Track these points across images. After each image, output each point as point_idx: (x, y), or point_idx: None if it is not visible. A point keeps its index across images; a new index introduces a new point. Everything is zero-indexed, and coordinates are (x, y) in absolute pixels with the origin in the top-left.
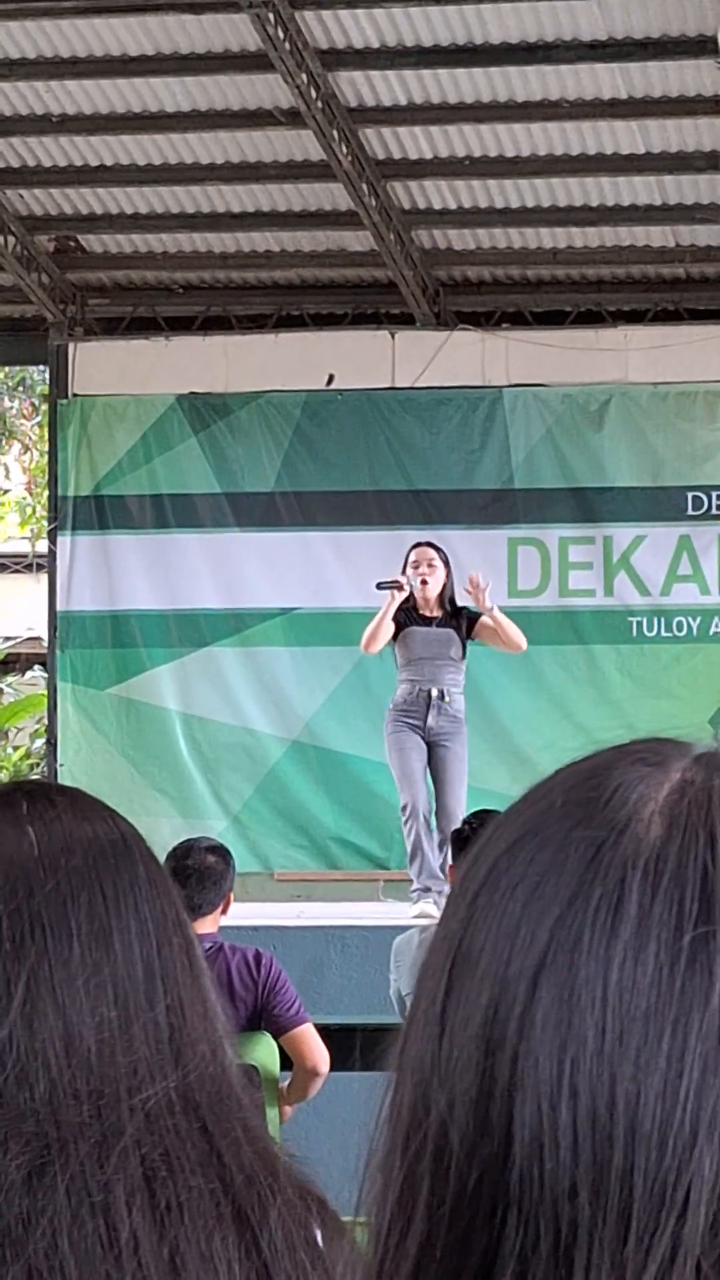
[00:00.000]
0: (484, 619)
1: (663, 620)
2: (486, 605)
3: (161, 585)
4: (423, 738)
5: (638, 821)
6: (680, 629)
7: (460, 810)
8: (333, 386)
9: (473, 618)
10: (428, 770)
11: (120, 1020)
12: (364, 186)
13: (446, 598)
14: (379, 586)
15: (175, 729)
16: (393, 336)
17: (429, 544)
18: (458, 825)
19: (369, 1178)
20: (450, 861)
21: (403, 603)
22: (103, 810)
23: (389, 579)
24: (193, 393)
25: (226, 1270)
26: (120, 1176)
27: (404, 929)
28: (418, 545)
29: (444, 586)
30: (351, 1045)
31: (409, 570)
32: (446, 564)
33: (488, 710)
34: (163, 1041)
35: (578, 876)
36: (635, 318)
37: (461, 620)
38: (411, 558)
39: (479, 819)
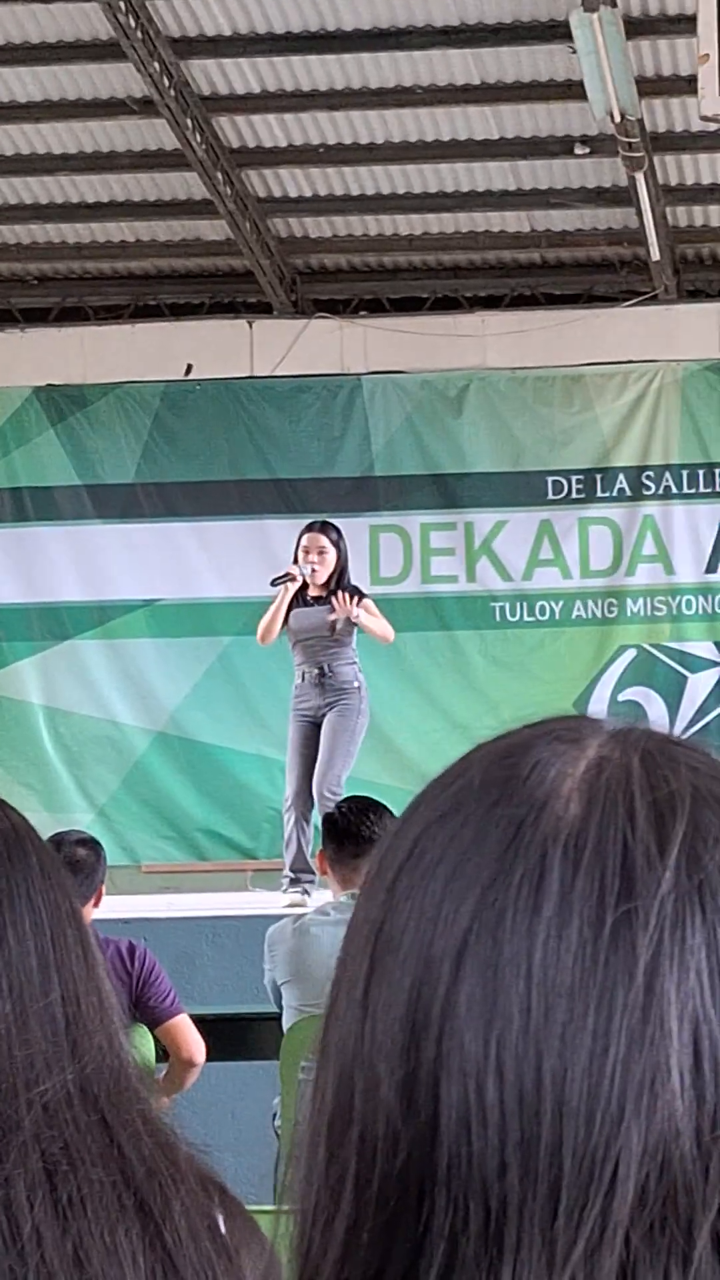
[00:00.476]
0: (365, 603)
1: (525, 605)
2: (352, 614)
3: (22, 578)
4: (313, 720)
5: (556, 799)
6: (543, 613)
7: (328, 784)
8: (191, 376)
9: (358, 598)
10: (315, 754)
11: (15, 1013)
12: (219, 175)
13: (334, 580)
14: (273, 583)
15: (39, 723)
16: (250, 325)
17: (320, 528)
18: (326, 797)
19: (293, 1164)
20: (320, 848)
21: (300, 588)
22: None
23: (281, 574)
24: (50, 384)
25: (131, 1263)
26: (20, 1171)
27: (276, 918)
28: (309, 529)
29: (334, 570)
30: (225, 1035)
31: (300, 556)
32: (337, 543)
33: None
34: (59, 1034)
35: (499, 855)
36: (492, 303)
37: (345, 592)
38: (303, 543)
39: (353, 805)
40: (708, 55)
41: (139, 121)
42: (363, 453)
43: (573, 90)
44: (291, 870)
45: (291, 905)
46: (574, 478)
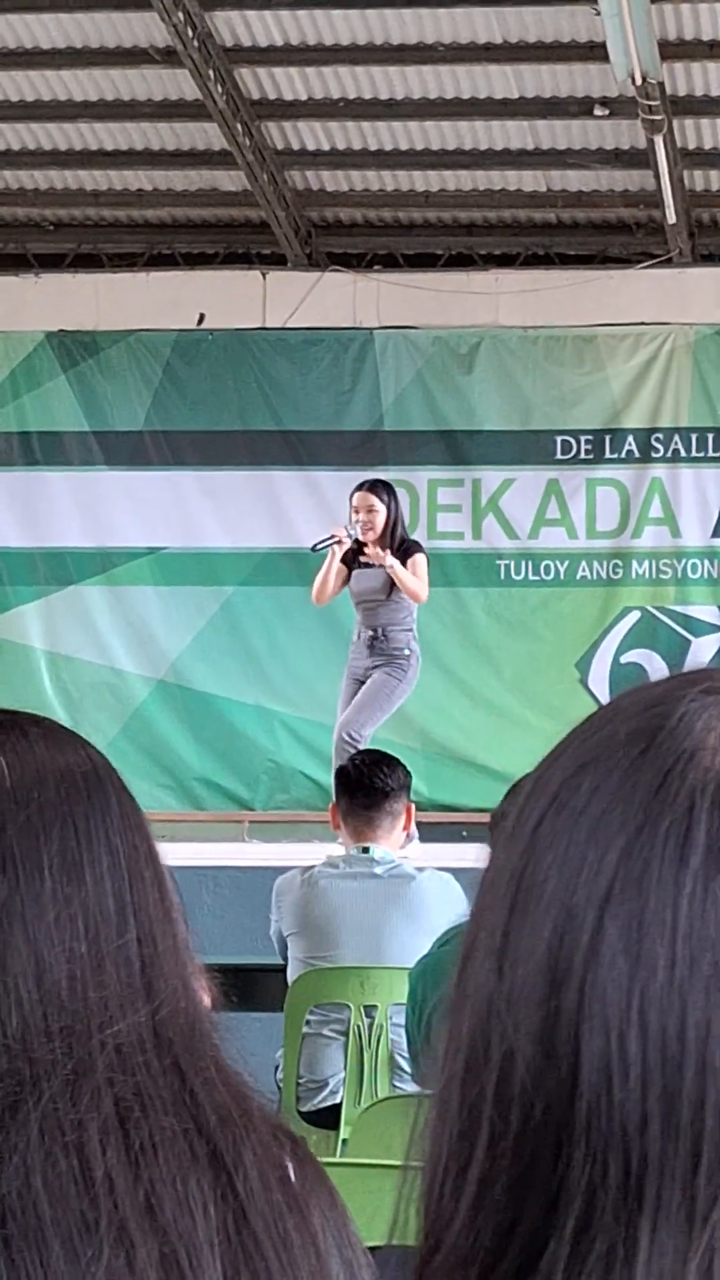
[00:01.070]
0: (415, 557)
1: (530, 564)
2: (385, 562)
3: (28, 523)
4: (361, 680)
5: (704, 750)
6: (548, 572)
7: (352, 728)
8: (203, 326)
9: (409, 553)
10: None
11: (91, 955)
12: (238, 126)
13: (389, 539)
14: (314, 549)
15: (40, 667)
16: (264, 277)
17: (370, 487)
18: (344, 741)
19: (424, 1114)
20: (333, 800)
21: (353, 545)
22: (77, 741)
23: (325, 538)
24: (62, 330)
25: (203, 1213)
26: (94, 1115)
27: (278, 870)
28: (360, 488)
29: (385, 528)
30: (228, 985)
31: (351, 515)
32: (388, 502)
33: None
34: (134, 976)
35: (645, 804)
36: (506, 261)
37: (401, 554)
38: (354, 502)
39: (366, 757)
40: None
41: (161, 71)
42: (372, 407)
43: (594, 51)
44: None
45: None
46: (583, 438)
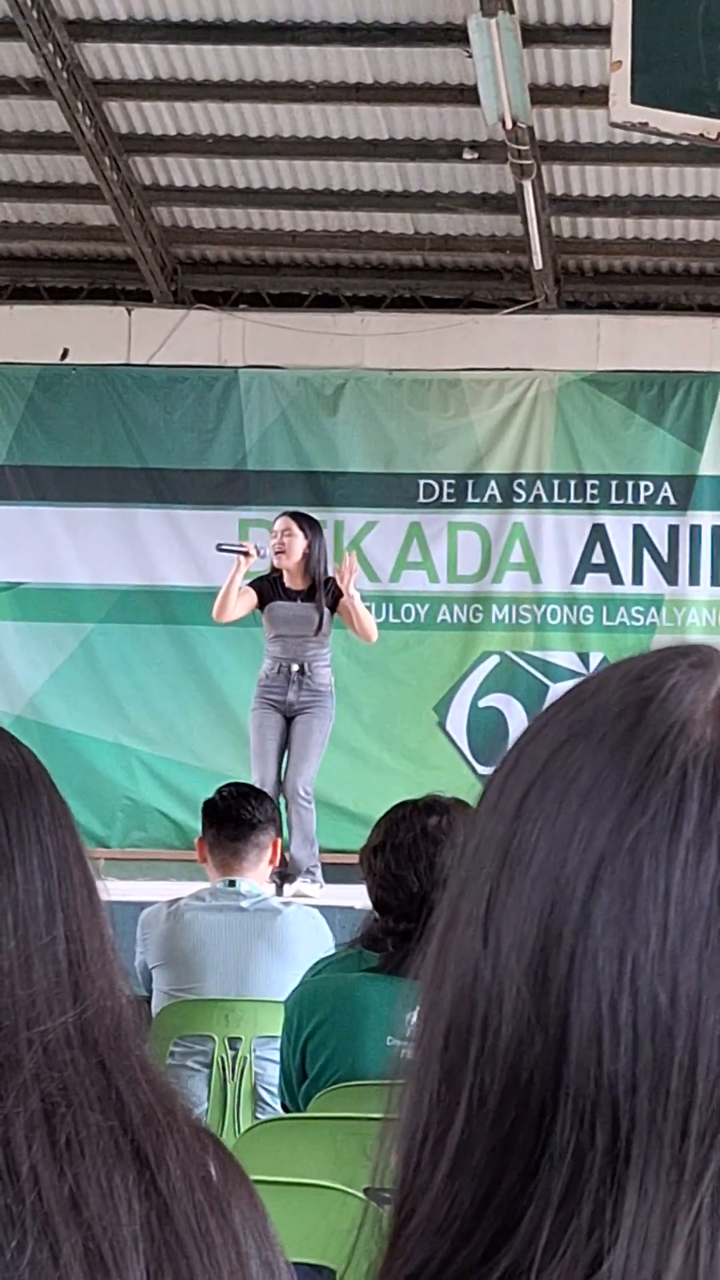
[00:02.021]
0: (344, 599)
1: (391, 606)
2: (350, 592)
3: None
4: (283, 713)
5: (693, 722)
6: (408, 615)
7: (302, 783)
8: (67, 361)
9: (338, 594)
10: (284, 748)
11: (19, 952)
12: (106, 160)
13: (313, 569)
14: (219, 549)
15: None
16: (129, 313)
17: (293, 514)
18: (300, 798)
19: (399, 1085)
20: (200, 835)
21: (270, 574)
22: (7, 739)
23: (232, 543)
24: None
25: (126, 1208)
26: (20, 1110)
27: (138, 905)
28: (283, 514)
29: (306, 557)
30: None
31: (271, 539)
32: (309, 534)
33: (214, 690)
34: (61, 974)
35: (637, 775)
36: (372, 303)
37: (327, 593)
38: (275, 526)
39: (234, 790)
40: (620, 62)
41: (29, 101)
42: (236, 446)
43: (464, 95)
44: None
45: (296, 895)
46: (445, 482)
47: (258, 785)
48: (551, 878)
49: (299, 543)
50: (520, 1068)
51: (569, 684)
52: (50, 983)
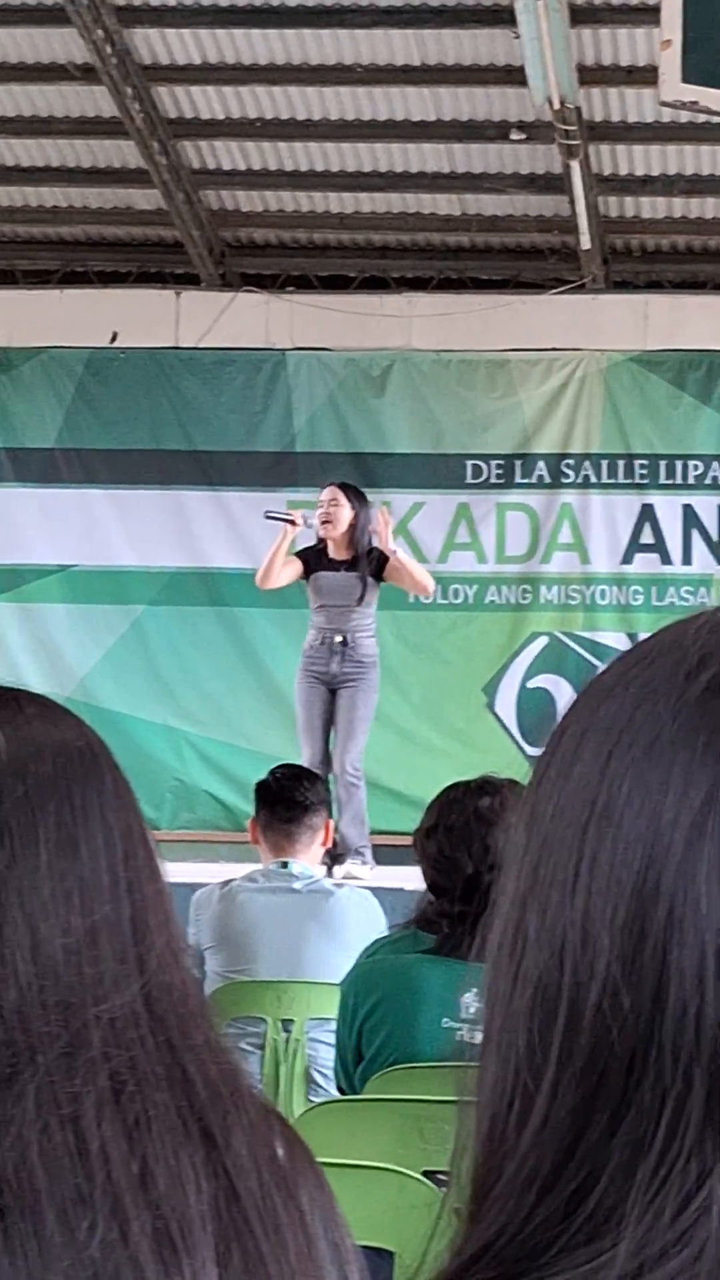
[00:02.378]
0: (390, 561)
1: (439, 588)
2: (390, 548)
3: None
4: (327, 685)
5: None
6: (456, 596)
7: (350, 760)
8: (116, 344)
9: (383, 557)
10: (330, 722)
11: (86, 929)
12: (154, 144)
13: (358, 539)
14: (267, 516)
15: None
16: (178, 296)
17: (341, 484)
18: (349, 774)
19: (476, 1065)
20: (252, 815)
21: (316, 545)
22: (71, 718)
23: (279, 511)
24: None
25: (194, 1187)
26: (89, 1089)
27: (191, 886)
28: (330, 484)
29: (351, 526)
30: None
31: (317, 509)
32: (356, 504)
33: (262, 671)
34: (127, 951)
35: None
36: (419, 285)
37: (370, 562)
38: (321, 496)
39: (286, 771)
40: (670, 41)
41: (79, 87)
42: (284, 428)
43: (511, 75)
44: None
45: (348, 877)
46: (493, 462)
47: (306, 761)
48: (649, 831)
49: (345, 513)
50: (610, 1023)
51: None
52: (116, 960)
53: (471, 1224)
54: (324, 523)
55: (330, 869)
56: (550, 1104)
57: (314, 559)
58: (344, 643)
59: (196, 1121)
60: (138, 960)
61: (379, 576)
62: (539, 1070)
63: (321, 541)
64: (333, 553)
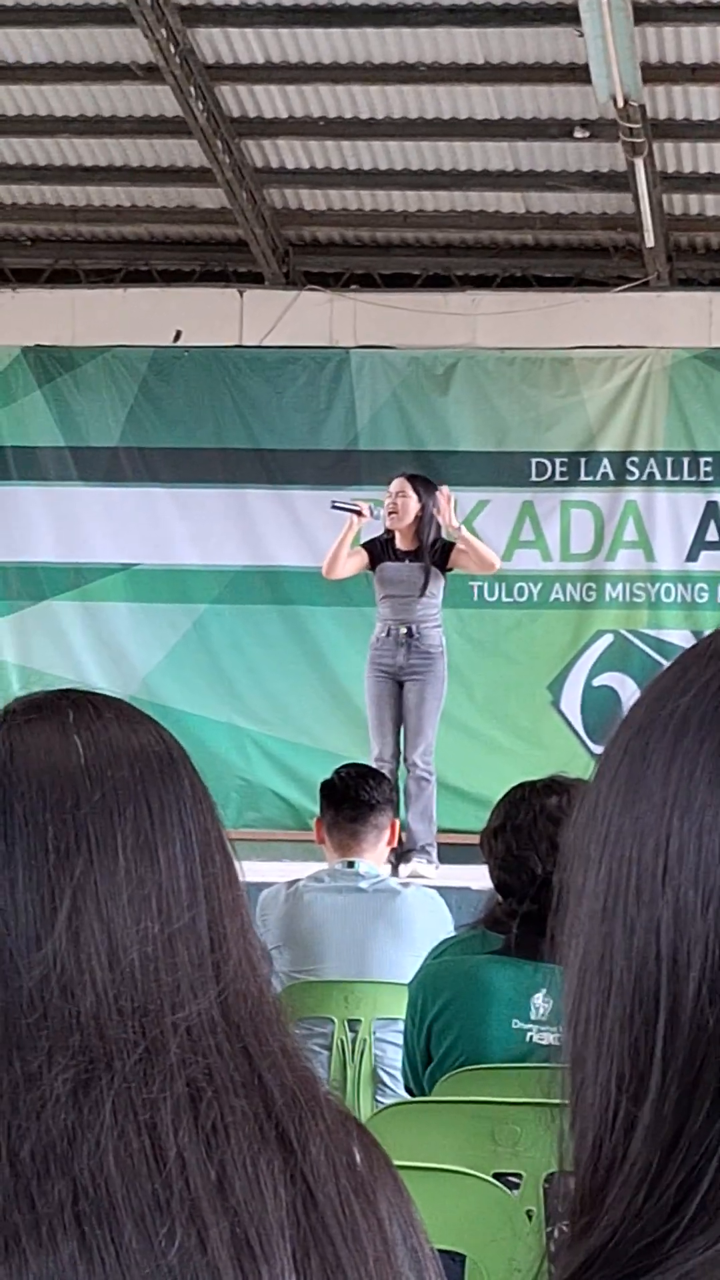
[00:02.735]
0: (458, 544)
1: (504, 585)
2: (453, 524)
3: (1, 537)
4: (394, 678)
5: None
6: (521, 594)
7: (420, 754)
8: (179, 343)
9: (447, 547)
10: (400, 717)
11: (164, 936)
12: (218, 143)
13: (424, 530)
14: (334, 506)
15: (11, 682)
16: (241, 295)
17: (410, 475)
18: (420, 769)
19: (566, 1069)
20: (317, 814)
21: (382, 535)
22: (149, 722)
23: (346, 501)
24: (38, 345)
25: (272, 1194)
26: (166, 1095)
27: (259, 885)
28: (399, 474)
29: (418, 518)
30: None
31: (385, 500)
32: (424, 496)
33: (326, 669)
34: (204, 958)
35: None
36: (483, 283)
37: (434, 552)
38: (390, 487)
39: (352, 770)
40: None
41: (142, 87)
42: (347, 426)
43: (575, 73)
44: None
45: (414, 875)
46: (558, 460)
47: (375, 757)
48: None
49: (412, 504)
50: (709, 1013)
51: None
52: (194, 967)
53: (581, 1238)
54: (390, 513)
55: (396, 867)
56: (658, 1106)
57: (380, 550)
58: (409, 634)
59: (274, 1128)
60: (214, 967)
61: (444, 566)
62: (644, 1075)
63: (388, 533)
64: (399, 543)
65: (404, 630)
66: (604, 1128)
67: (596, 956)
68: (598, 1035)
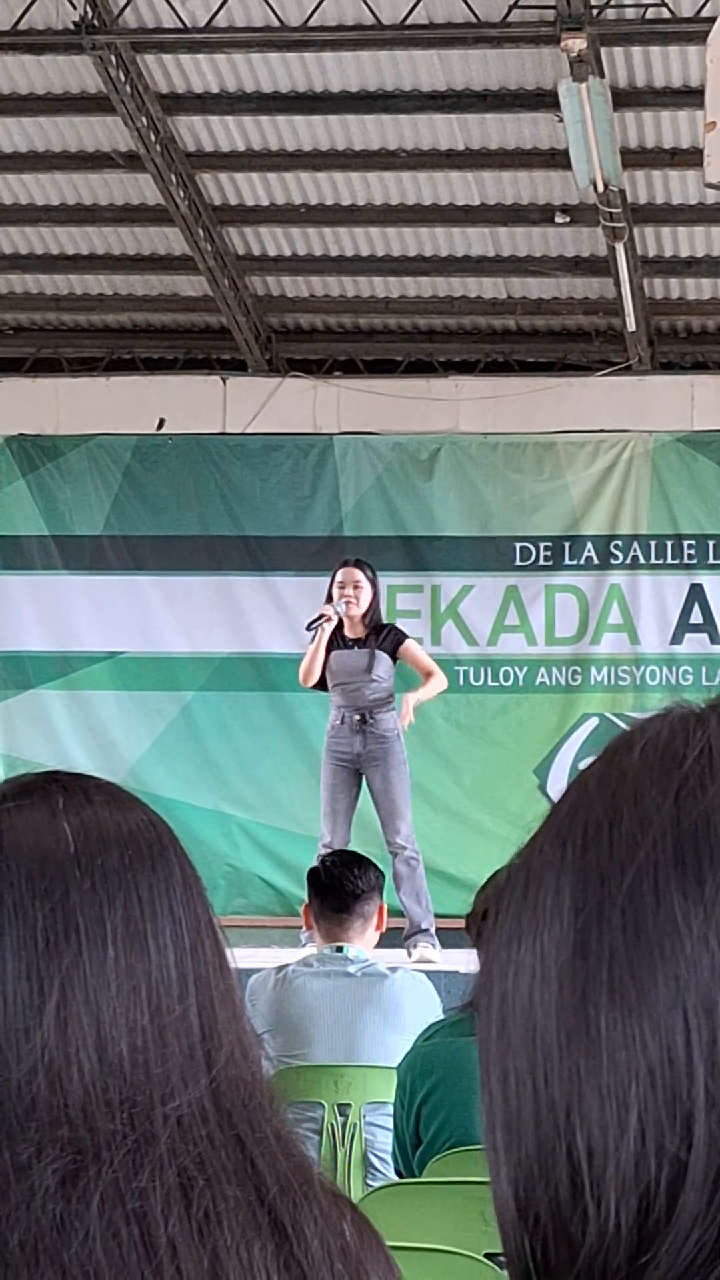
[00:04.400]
0: (407, 644)
1: (489, 670)
2: (409, 721)
3: None
4: (352, 766)
5: None
6: (506, 679)
7: (402, 837)
8: (163, 431)
9: (399, 639)
10: (353, 805)
11: (154, 1026)
12: (200, 231)
13: (370, 618)
14: (308, 628)
15: None
16: (224, 382)
17: (355, 563)
18: (405, 851)
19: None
20: (305, 900)
21: (336, 627)
22: (139, 806)
23: (315, 617)
24: (22, 434)
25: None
26: (156, 1185)
27: (248, 971)
28: (344, 565)
29: (369, 607)
30: None
31: (335, 591)
32: (373, 580)
33: (313, 755)
34: (195, 1048)
35: None
36: (466, 368)
37: (385, 638)
38: (338, 578)
39: (338, 858)
40: (714, 123)
41: (123, 175)
42: (332, 512)
43: (555, 159)
44: None
45: (421, 960)
46: (542, 544)
47: (324, 843)
48: None
49: (365, 594)
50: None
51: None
52: (184, 1057)
53: None
54: (348, 604)
55: (409, 953)
56: (708, 1155)
57: (331, 640)
58: (363, 720)
59: (267, 1215)
60: (206, 1057)
61: (393, 654)
62: (689, 1126)
63: (340, 622)
64: (348, 630)
65: (357, 717)
66: (649, 1190)
67: (624, 1032)
68: (637, 1101)
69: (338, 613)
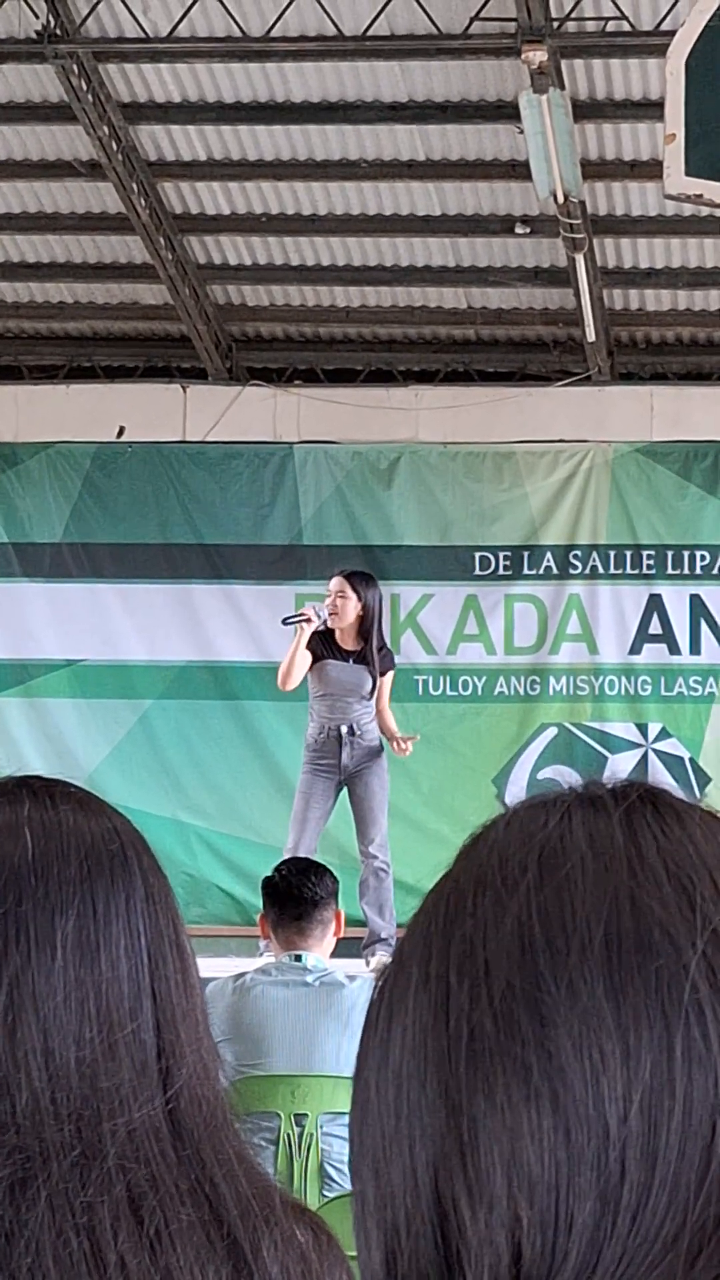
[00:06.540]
0: (390, 675)
1: (448, 679)
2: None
3: None
4: (338, 779)
5: None
6: (465, 688)
7: (377, 846)
8: (123, 439)
9: (387, 668)
10: (326, 817)
11: (103, 1041)
12: (161, 240)
13: (366, 630)
14: (284, 622)
15: None
16: (184, 390)
17: (348, 574)
18: (378, 860)
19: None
20: (261, 910)
21: (321, 632)
22: (111, 816)
23: (294, 614)
24: None
25: None
26: (103, 1199)
27: (206, 981)
28: (338, 574)
29: (360, 617)
30: None
31: (325, 599)
32: (364, 593)
33: (272, 764)
34: (149, 1064)
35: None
36: (426, 378)
37: (377, 662)
38: (329, 585)
39: (293, 866)
40: (674, 135)
41: (85, 184)
42: (291, 521)
43: (516, 170)
44: None
45: (378, 970)
46: (501, 554)
47: (289, 849)
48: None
49: (351, 604)
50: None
51: (628, 754)
52: (135, 1073)
53: None
54: (331, 613)
55: (367, 962)
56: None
57: (321, 646)
58: (351, 732)
59: (224, 1237)
60: (162, 1074)
61: (383, 673)
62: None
63: (327, 630)
64: (340, 640)
65: (345, 730)
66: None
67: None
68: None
69: (318, 615)
